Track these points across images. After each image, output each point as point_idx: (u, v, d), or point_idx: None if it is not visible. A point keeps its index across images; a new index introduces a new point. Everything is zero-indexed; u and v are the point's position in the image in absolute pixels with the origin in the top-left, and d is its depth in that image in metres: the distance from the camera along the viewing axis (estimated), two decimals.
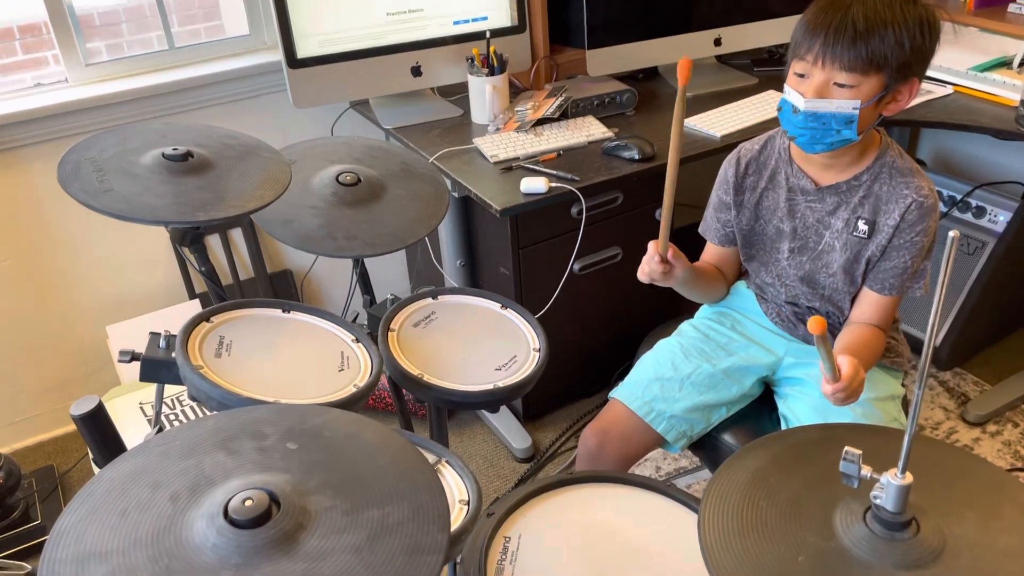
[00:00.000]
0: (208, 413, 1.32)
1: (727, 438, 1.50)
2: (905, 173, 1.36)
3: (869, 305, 1.42)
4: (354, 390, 1.25)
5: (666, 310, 2.29)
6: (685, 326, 1.62)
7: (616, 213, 2.09)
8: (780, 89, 2.30)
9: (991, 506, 0.84)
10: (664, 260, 1.36)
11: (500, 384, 1.38)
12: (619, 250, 2.17)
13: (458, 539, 1.00)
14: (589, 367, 2.36)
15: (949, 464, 0.92)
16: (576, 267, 2.10)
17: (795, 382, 1.50)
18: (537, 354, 1.46)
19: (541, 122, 2.10)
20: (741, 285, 1.61)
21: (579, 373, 2.34)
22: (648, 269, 1.38)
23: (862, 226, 1.38)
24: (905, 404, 1.51)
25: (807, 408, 1.46)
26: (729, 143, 2.02)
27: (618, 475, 1.29)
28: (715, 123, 2.09)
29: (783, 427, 1.48)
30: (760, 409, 1.54)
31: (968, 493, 0.86)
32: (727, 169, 1.51)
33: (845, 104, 1.25)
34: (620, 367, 2.41)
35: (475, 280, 2.27)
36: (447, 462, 1.13)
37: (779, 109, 1.34)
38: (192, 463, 0.82)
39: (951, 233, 0.71)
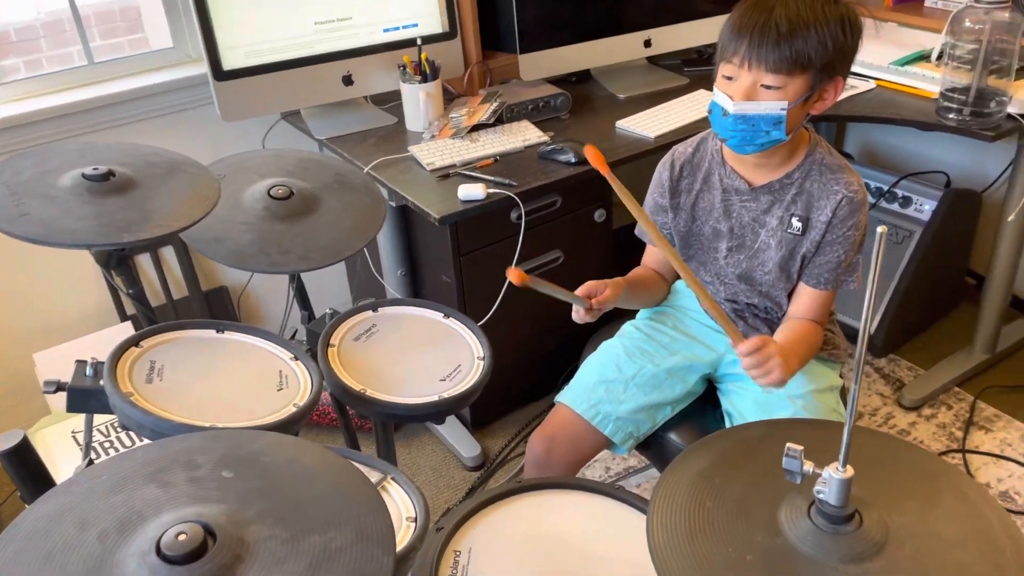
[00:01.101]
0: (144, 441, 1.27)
1: (673, 437, 1.50)
2: (835, 169, 1.39)
3: (805, 300, 1.45)
4: (294, 410, 1.22)
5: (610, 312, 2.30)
6: (627, 327, 1.63)
7: (555, 217, 2.09)
8: (710, 88, 2.33)
9: (930, 494, 0.86)
10: (589, 309, 1.40)
11: (445, 395, 1.36)
12: (560, 253, 2.17)
13: (406, 558, 0.98)
14: (535, 371, 2.36)
15: (887, 453, 0.93)
16: None
17: (737, 378, 1.51)
18: (481, 362, 1.44)
19: (476, 128, 2.09)
20: (681, 284, 1.62)
21: (526, 378, 2.33)
22: (579, 317, 1.43)
23: (796, 223, 1.40)
24: (844, 394, 1.53)
25: (749, 404, 1.47)
26: (663, 143, 2.03)
27: (566, 480, 1.28)
28: (648, 124, 2.10)
29: (727, 424, 1.49)
30: (704, 406, 1.55)
31: (907, 482, 0.88)
32: (661, 172, 1.52)
33: (773, 105, 1.26)
34: (566, 370, 2.41)
35: (417, 289, 2.25)
36: (393, 479, 1.11)
37: (709, 112, 1.35)
38: (121, 498, 0.78)
39: (880, 228, 0.72)
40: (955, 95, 1.95)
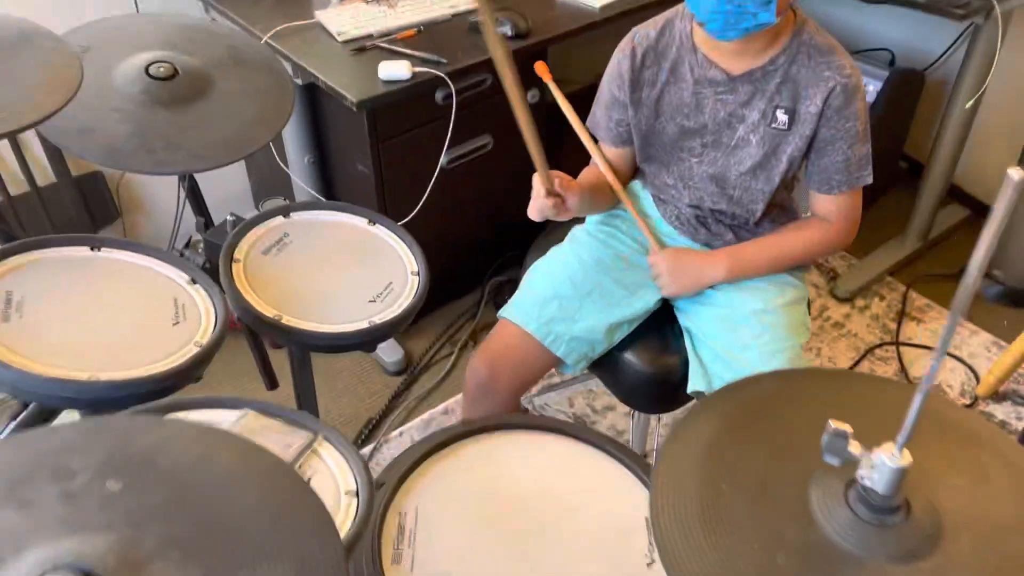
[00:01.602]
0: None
1: (630, 357, 1.36)
2: (825, 52, 1.20)
3: (823, 206, 1.31)
4: (196, 350, 1.01)
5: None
6: (578, 232, 1.44)
7: (485, 97, 1.84)
8: None
9: (977, 467, 0.74)
10: (552, 193, 1.18)
11: (377, 320, 1.17)
12: (490, 138, 1.94)
13: (352, 548, 0.81)
14: (461, 267, 2.17)
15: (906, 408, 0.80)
16: (443, 160, 1.86)
17: (697, 295, 1.36)
18: (417, 279, 1.25)
19: None
20: (636, 186, 1.43)
21: (450, 275, 2.14)
22: (538, 207, 1.21)
23: (781, 116, 1.23)
24: (810, 307, 1.42)
25: (711, 320, 1.33)
26: (610, 15, 1.80)
27: (520, 420, 1.13)
28: None
29: (687, 341, 1.35)
30: (661, 323, 1.40)
31: (950, 451, 0.75)
32: (620, 62, 1.29)
33: None
34: (493, 264, 2.23)
35: (328, 180, 1.99)
36: (325, 438, 0.92)
37: None
38: None
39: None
40: None
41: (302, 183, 1.94)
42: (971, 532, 0.68)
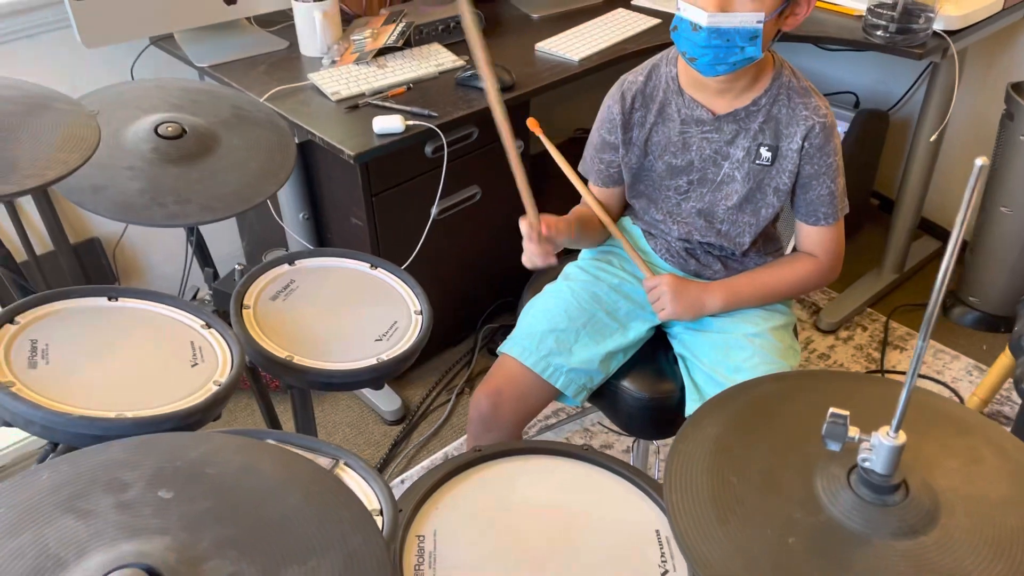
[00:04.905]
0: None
1: (627, 385, 1.40)
2: (802, 93, 1.29)
3: (810, 238, 1.37)
4: (215, 388, 1.04)
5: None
6: (572, 268, 1.50)
7: (472, 150, 1.93)
8: (629, 7, 2.20)
9: (969, 450, 0.79)
10: (541, 236, 1.27)
11: (384, 357, 1.21)
12: (478, 189, 2.01)
13: None
14: (455, 315, 2.22)
15: (912, 405, 0.85)
16: (435, 211, 1.93)
17: (689, 322, 1.42)
18: (420, 317, 1.29)
19: (382, 52, 1.88)
20: (626, 222, 1.50)
21: (444, 323, 2.18)
22: (528, 254, 1.29)
23: (765, 153, 1.30)
24: (796, 331, 1.48)
25: (705, 345, 1.39)
26: (588, 67, 1.89)
27: (529, 445, 1.17)
28: (569, 46, 1.95)
29: (681, 367, 1.41)
30: (654, 350, 1.46)
31: (943, 437, 0.80)
32: (611, 107, 1.38)
33: (749, 17, 1.14)
34: (486, 311, 2.28)
35: (323, 234, 2.05)
36: (346, 464, 0.96)
37: (674, 29, 1.21)
38: (29, 539, 0.60)
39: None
40: (883, 11, 1.89)
41: (299, 238, 1.99)
42: (967, 508, 0.73)
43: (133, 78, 2.01)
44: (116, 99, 1.40)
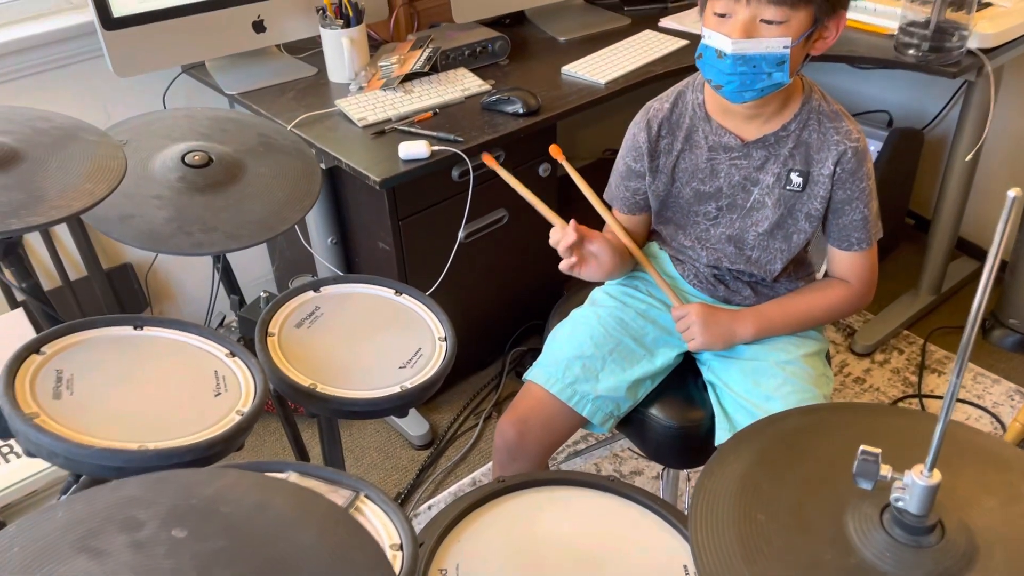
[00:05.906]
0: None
1: (655, 413, 1.38)
2: (832, 118, 1.27)
3: (842, 263, 1.35)
4: (238, 418, 1.04)
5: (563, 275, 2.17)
6: (598, 294, 1.49)
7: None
8: (656, 29, 2.19)
9: (1005, 487, 0.75)
10: (574, 244, 1.28)
11: (408, 384, 1.20)
12: (505, 212, 2.00)
13: None
14: (482, 339, 2.21)
15: (946, 440, 0.82)
16: (461, 235, 1.92)
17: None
18: (444, 344, 1.28)
19: (409, 77, 1.89)
20: (654, 247, 1.48)
21: (471, 347, 2.18)
22: (561, 251, 1.30)
23: (796, 179, 1.28)
24: (829, 358, 1.44)
25: (735, 373, 1.36)
26: (614, 90, 1.88)
27: (553, 475, 1.15)
28: (596, 69, 1.94)
29: (711, 394, 1.38)
30: (683, 377, 1.43)
31: (978, 474, 0.77)
32: (637, 135, 1.36)
33: (775, 43, 1.12)
34: (514, 335, 2.27)
35: (351, 259, 2.05)
36: (366, 496, 0.95)
37: (699, 56, 1.20)
38: None
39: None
40: (915, 30, 1.86)
41: (326, 263, 2.00)
42: (1006, 550, 0.69)
43: (165, 106, 2.04)
44: (145, 128, 1.42)
